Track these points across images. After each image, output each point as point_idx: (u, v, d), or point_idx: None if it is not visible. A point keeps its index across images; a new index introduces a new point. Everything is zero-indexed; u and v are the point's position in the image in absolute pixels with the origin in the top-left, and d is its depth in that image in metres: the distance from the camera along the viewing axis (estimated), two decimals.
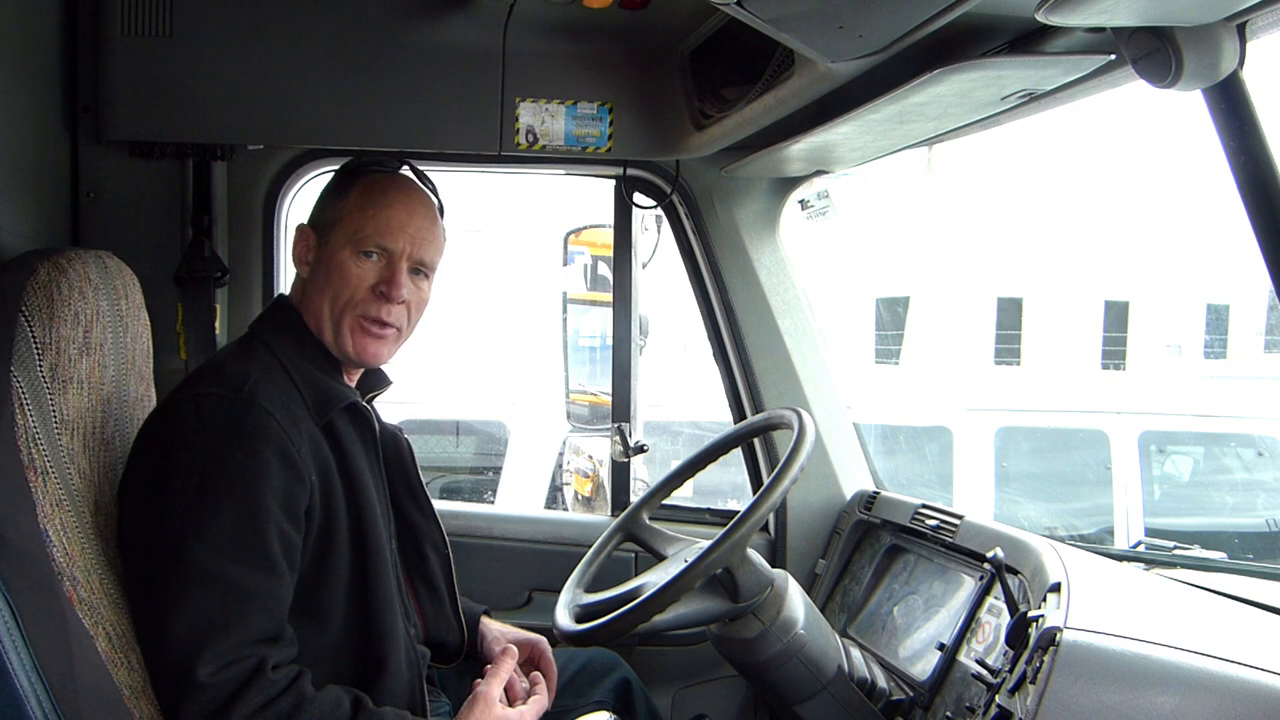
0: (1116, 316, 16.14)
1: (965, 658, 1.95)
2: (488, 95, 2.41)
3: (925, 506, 2.31)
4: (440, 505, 2.10)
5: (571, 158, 2.51)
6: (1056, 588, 1.72)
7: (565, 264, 3.83)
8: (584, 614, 1.99)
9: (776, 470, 1.85)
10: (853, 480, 2.65)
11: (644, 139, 2.49)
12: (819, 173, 2.56)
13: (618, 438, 2.73)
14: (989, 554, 1.73)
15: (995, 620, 1.94)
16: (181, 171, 2.44)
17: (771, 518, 2.63)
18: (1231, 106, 1.45)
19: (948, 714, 1.89)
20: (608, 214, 2.75)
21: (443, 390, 7.06)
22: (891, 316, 14.92)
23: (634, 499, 2.49)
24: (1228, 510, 6.98)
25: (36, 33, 2.18)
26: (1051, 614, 1.62)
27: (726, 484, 5.31)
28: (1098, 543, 5.71)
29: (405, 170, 1.94)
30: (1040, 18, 1.35)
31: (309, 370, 1.79)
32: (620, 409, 2.75)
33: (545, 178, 2.85)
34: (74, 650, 1.36)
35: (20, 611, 1.29)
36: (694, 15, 2.21)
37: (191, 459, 1.60)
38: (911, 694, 2.02)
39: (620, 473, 2.79)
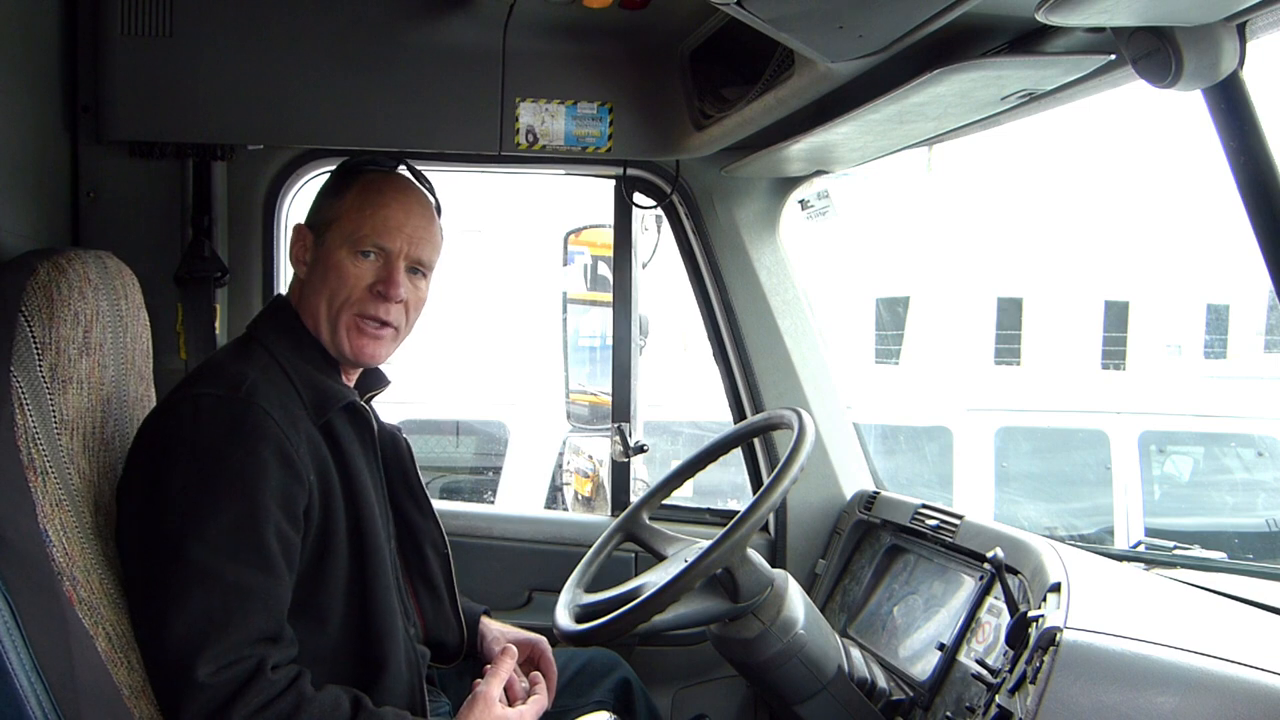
0: (1116, 316, 16.14)
1: (965, 658, 1.95)
2: (488, 95, 2.41)
3: (925, 506, 2.31)
4: (440, 505, 2.10)
5: (571, 158, 2.51)
6: (1056, 588, 1.72)
7: (565, 264, 3.83)
8: (584, 614, 1.99)
9: (776, 470, 1.85)
10: (853, 480, 2.65)
11: (644, 139, 2.49)
12: (819, 173, 2.56)
13: (618, 438, 2.73)
14: (989, 554, 1.73)
15: (995, 620, 1.94)
16: (181, 171, 2.44)
17: (771, 518, 2.63)
18: (1231, 106, 1.45)
19: (948, 714, 1.89)
20: (608, 214, 2.75)
21: (443, 390, 7.06)
22: (891, 316, 14.92)
23: (634, 499, 2.49)
24: (1228, 510, 6.98)
25: (36, 33, 2.18)
26: (1051, 614, 1.62)
27: (726, 484, 5.31)
28: (1098, 543, 5.71)
29: (402, 169, 1.94)
30: (1040, 18, 1.35)
31: (307, 370, 1.79)
32: (620, 409, 2.75)
33: (545, 178, 2.84)
34: (74, 650, 1.36)
35: (20, 611, 1.29)
36: (694, 15, 2.21)
37: (190, 459, 1.60)
38: (911, 694, 2.02)
39: (620, 473, 2.79)
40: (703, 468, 2.26)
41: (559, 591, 2.09)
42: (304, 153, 2.52)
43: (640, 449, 2.73)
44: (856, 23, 1.58)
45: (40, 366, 1.48)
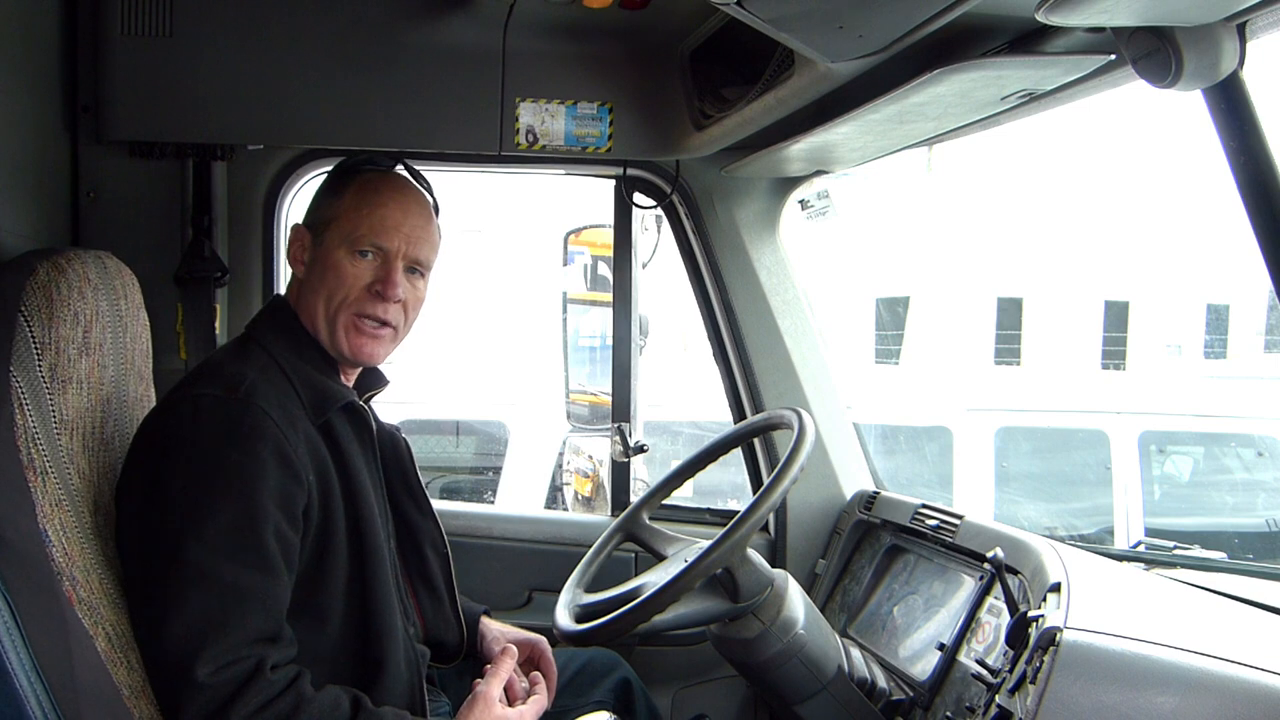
0: (1116, 316, 16.14)
1: (965, 658, 1.95)
2: (488, 95, 2.41)
3: (925, 506, 2.31)
4: (440, 505, 2.10)
5: (571, 158, 2.51)
6: (1056, 588, 1.72)
7: (565, 264, 3.83)
8: (584, 614, 1.99)
9: (776, 470, 1.85)
10: (853, 480, 2.65)
11: (644, 139, 2.49)
12: (819, 173, 2.56)
13: (618, 438, 2.73)
14: (989, 554, 1.73)
15: (995, 620, 1.94)
16: (181, 171, 2.44)
17: (771, 518, 2.63)
18: (1231, 106, 1.45)
19: (948, 714, 1.89)
20: (608, 214, 2.75)
21: (443, 390, 7.06)
22: (891, 316, 14.92)
23: (634, 499, 2.49)
24: (1228, 510, 6.98)
25: (36, 33, 2.18)
26: (1051, 614, 1.62)
27: (726, 484, 5.31)
28: (1098, 543, 5.71)
29: (400, 169, 1.94)
30: (1040, 18, 1.35)
31: (306, 370, 1.79)
32: (620, 409, 2.75)
33: (545, 178, 2.84)
34: (73, 650, 1.36)
35: (20, 611, 1.29)
36: (694, 15, 2.21)
37: (189, 459, 1.60)
38: (911, 694, 2.02)
39: (620, 473, 2.79)
40: (703, 468, 2.26)
41: (559, 591, 2.09)
42: (304, 153, 2.52)
43: (640, 449, 2.73)
44: (856, 23, 1.58)
45: (40, 366, 1.48)
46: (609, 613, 1.87)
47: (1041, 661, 1.53)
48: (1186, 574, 2.13)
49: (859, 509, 2.53)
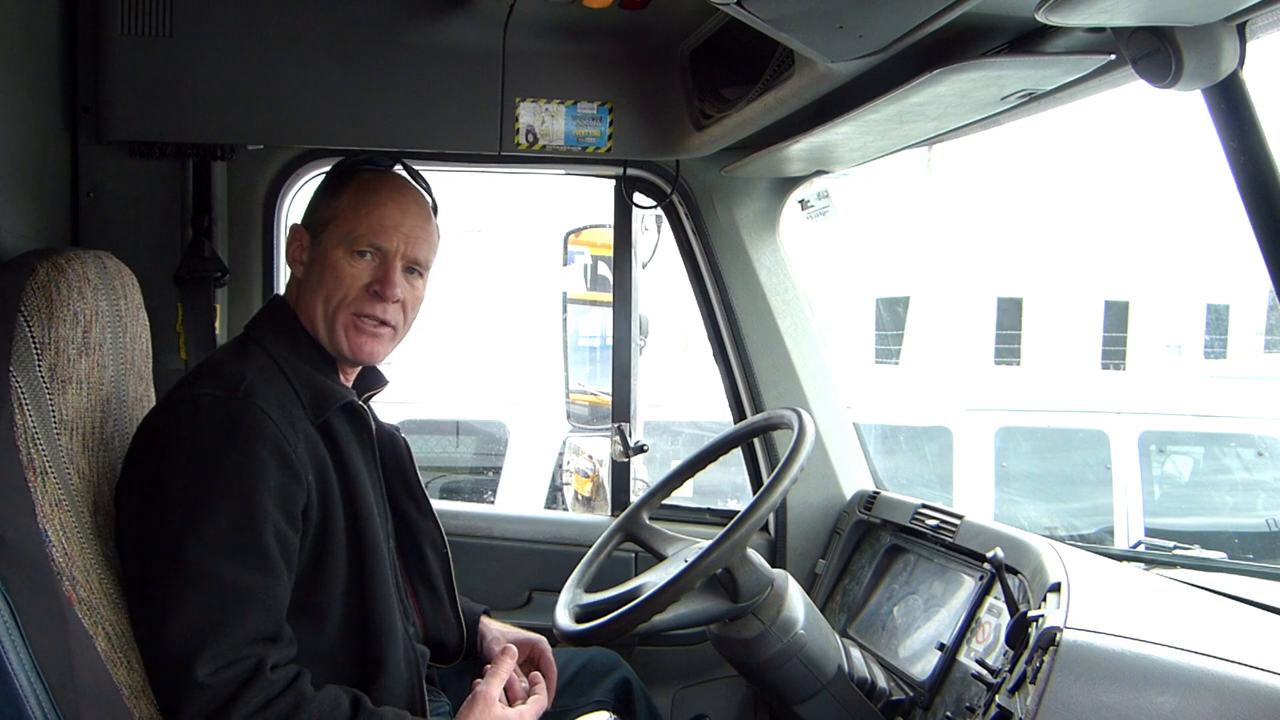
0: (1116, 316, 16.14)
1: (965, 658, 1.95)
2: (488, 95, 2.41)
3: (925, 506, 2.31)
4: (440, 505, 2.10)
5: (571, 158, 2.51)
6: (1056, 588, 1.72)
7: (565, 264, 3.83)
8: (584, 614, 1.99)
9: (776, 470, 1.85)
10: (853, 480, 2.65)
11: (644, 139, 2.49)
12: (819, 173, 2.56)
13: (618, 438, 2.72)
14: (989, 554, 1.73)
15: (995, 620, 1.94)
16: (181, 171, 2.44)
17: (771, 518, 2.63)
18: (1231, 106, 1.45)
19: (948, 714, 1.89)
20: (608, 214, 2.75)
21: (443, 390, 7.06)
22: (891, 316, 14.92)
23: (634, 499, 2.49)
24: (1228, 510, 6.98)
25: (36, 33, 2.18)
26: (1051, 614, 1.62)
27: (726, 484, 5.31)
28: (1098, 543, 5.71)
29: (398, 169, 1.94)
30: (1040, 18, 1.35)
31: (305, 370, 1.79)
32: (620, 409, 2.75)
33: (545, 178, 2.84)
34: (73, 650, 1.36)
35: (20, 611, 1.29)
36: (694, 15, 2.21)
37: (188, 459, 1.60)
38: (911, 694, 2.02)
39: (620, 473, 2.79)
40: (703, 468, 2.26)
41: (559, 591, 2.09)
42: (304, 153, 2.52)
43: (640, 449, 2.73)
44: (856, 23, 1.58)
45: (40, 366, 1.48)
46: (609, 613, 1.87)
47: (1041, 661, 1.53)
48: (1186, 574, 2.13)
49: (859, 509, 2.53)
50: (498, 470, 6.60)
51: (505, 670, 1.84)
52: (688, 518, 2.72)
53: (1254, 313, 15.64)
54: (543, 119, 2.44)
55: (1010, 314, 15.77)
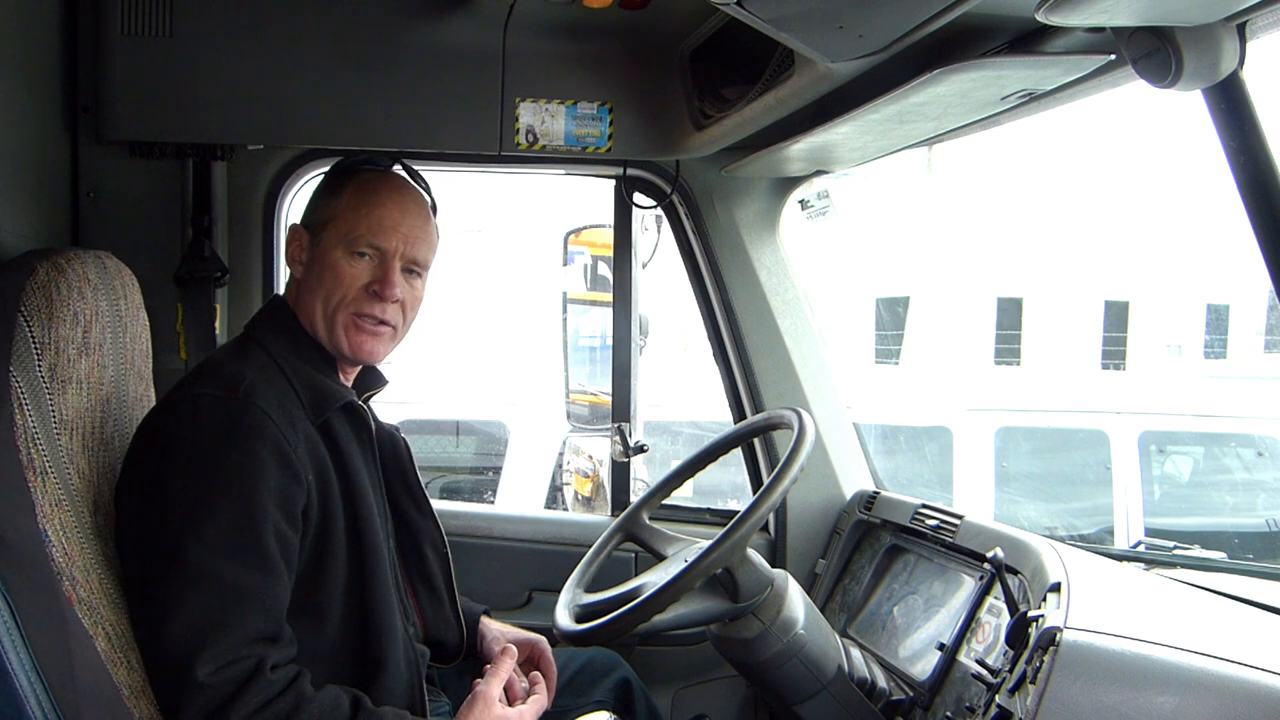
0: (1116, 316, 16.14)
1: (965, 658, 1.95)
2: (488, 95, 2.41)
3: (925, 506, 2.31)
4: (440, 505, 2.10)
5: (571, 158, 2.51)
6: (1056, 588, 1.72)
7: (565, 264, 3.83)
8: (584, 614, 1.99)
9: (776, 470, 1.85)
10: (853, 480, 2.65)
11: (644, 139, 2.49)
12: (819, 173, 2.56)
13: (618, 438, 2.73)
14: (989, 554, 1.73)
15: (995, 620, 1.94)
16: (181, 171, 2.44)
17: (771, 518, 2.63)
18: (1231, 106, 1.45)
19: (948, 714, 1.89)
20: (608, 214, 2.75)
21: (443, 390, 7.06)
22: (891, 316, 14.92)
23: (634, 499, 2.49)
24: (1228, 510, 6.98)
25: (36, 33, 2.18)
26: (1051, 614, 1.62)
27: (726, 484, 5.31)
28: (1098, 543, 5.71)
29: (397, 169, 1.94)
30: (1040, 18, 1.35)
31: (305, 370, 1.79)
32: (620, 409, 2.75)
33: (545, 178, 2.84)
34: (73, 650, 1.36)
35: (20, 611, 1.29)
36: (694, 15, 2.21)
37: (188, 459, 1.60)
38: (911, 694, 2.02)
39: (620, 473, 2.79)
40: (703, 468, 2.26)
41: (559, 591, 2.09)
42: (304, 153, 2.52)
43: (640, 449, 2.73)
44: (856, 23, 1.58)
45: (39, 367, 1.48)
46: (609, 613, 1.87)
47: (1041, 661, 1.53)
48: (1186, 574, 2.13)
49: (859, 509, 2.53)
50: (498, 470, 6.60)
51: (505, 670, 1.84)
52: (688, 518, 2.72)
53: (1254, 313, 15.64)
54: (543, 119, 2.44)
55: (1010, 314, 15.77)
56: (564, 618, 1.98)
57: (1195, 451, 7.13)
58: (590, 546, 2.20)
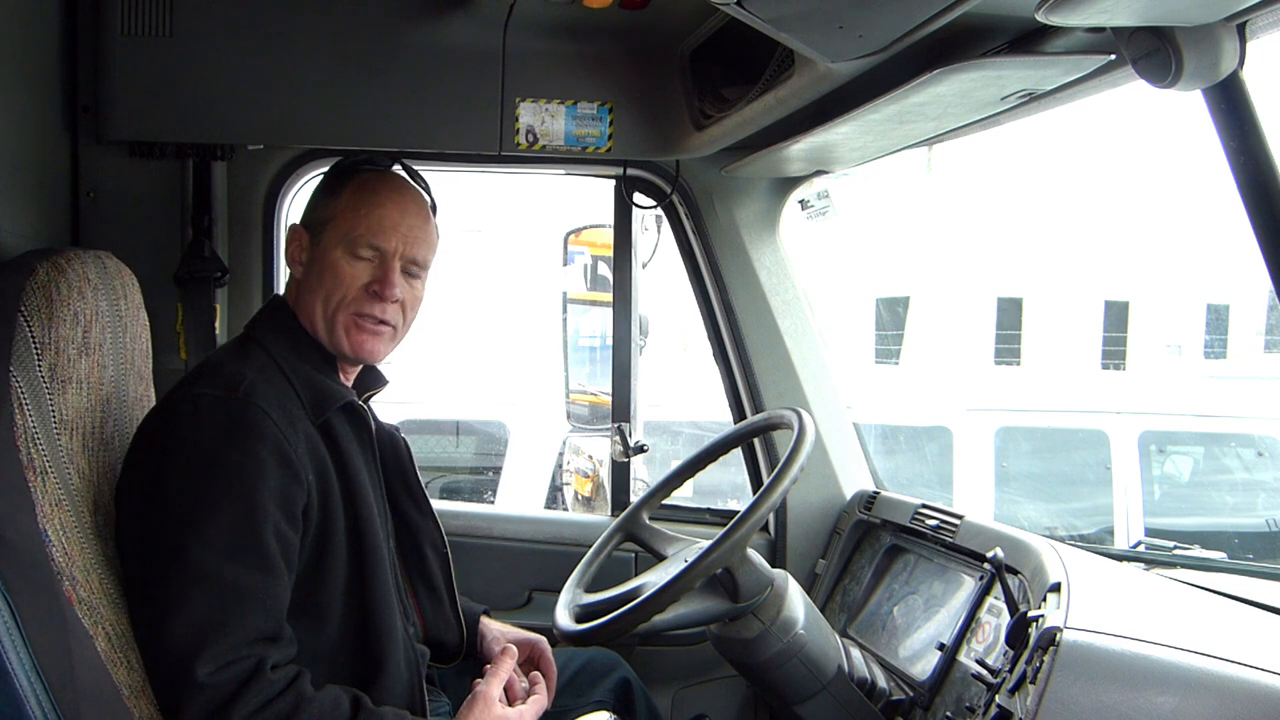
0: (1116, 316, 16.14)
1: (965, 658, 1.95)
2: (488, 95, 2.41)
3: (925, 506, 2.31)
4: (440, 505, 2.10)
5: (571, 158, 2.51)
6: (1056, 588, 1.72)
7: (565, 264, 3.83)
8: (584, 614, 1.99)
9: (776, 470, 1.85)
10: (853, 480, 2.65)
11: (644, 139, 2.49)
12: (819, 173, 2.56)
13: (618, 438, 2.72)
14: (989, 554, 1.73)
15: (995, 620, 1.94)
16: (181, 171, 2.44)
17: (771, 518, 2.63)
18: (1231, 106, 1.45)
19: (948, 714, 1.89)
20: (608, 214, 2.75)
21: (443, 390, 7.06)
22: (891, 316, 14.92)
23: (634, 499, 2.49)
24: (1228, 510, 6.98)
25: (36, 33, 2.18)
26: (1051, 614, 1.62)
27: (726, 484, 5.31)
28: (1098, 543, 5.71)
29: (397, 169, 1.94)
30: (1040, 18, 1.35)
31: (305, 370, 1.79)
32: (620, 409, 2.75)
33: (545, 178, 2.84)
34: (73, 650, 1.36)
35: (20, 611, 1.29)
36: (694, 15, 2.21)
37: (188, 459, 1.60)
38: (911, 694, 2.02)
39: (620, 473, 2.79)
40: (703, 468, 2.26)
41: (559, 591, 2.09)
42: (304, 153, 2.52)
43: (640, 449, 2.73)
44: (856, 23, 1.58)
45: (40, 366, 1.48)
46: (609, 613, 1.87)
47: (1041, 661, 1.53)
48: (1186, 574, 2.13)
49: (859, 509, 2.53)
50: (498, 470, 6.60)
51: (505, 670, 1.84)
52: (688, 518, 2.72)
53: (1254, 313, 15.64)
54: (543, 119, 2.44)
55: (1010, 314, 15.77)
56: (564, 618, 1.98)
57: (1195, 451, 7.13)
58: (590, 546, 2.20)
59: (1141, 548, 2.34)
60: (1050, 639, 1.54)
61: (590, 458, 5.49)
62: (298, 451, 1.66)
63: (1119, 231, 14.86)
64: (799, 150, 2.24)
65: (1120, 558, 2.27)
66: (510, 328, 7.98)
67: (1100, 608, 1.64)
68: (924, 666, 2.05)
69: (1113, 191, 14.93)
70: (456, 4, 2.31)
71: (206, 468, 1.59)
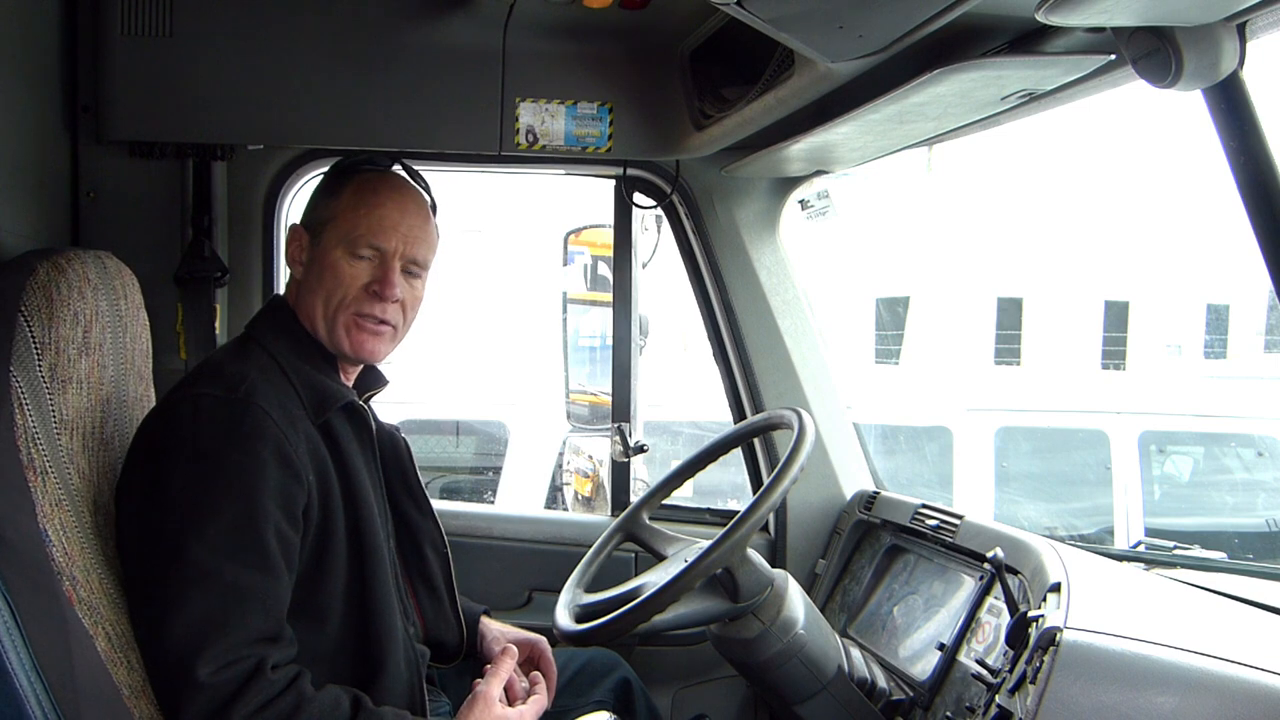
0: (1116, 316, 16.14)
1: (965, 658, 1.95)
2: (488, 95, 2.41)
3: (925, 506, 2.31)
4: (440, 505, 2.10)
5: (571, 158, 2.51)
6: (1056, 588, 1.72)
7: (565, 264, 3.83)
8: (584, 614, 1.99)
9: (776, 470, 1.85)
10: (853, 480, 2.65)
11: (644, 139, 2.49)
12: (819, 173, 2.56)
13: (618, 438, 2.73)
14: (989, 554, 1.73)
15: (995, 620, 1.94)
16: (181, 171, 2.44)
17: (771, 518, 2.63)
18: (1231, 106, 1.45)
19: (948, 714, 1.89)
20: (608, 214, 2.75)
21: (443, 390, 7.07)
22: (891, 316, 14.92)
23: (634, 499, 2.49)
24: (1228, 510, 6.98)
25: (36, 33, 2.18)
26: (1051, 614, 1.62)
27: (726, 484, 5.31)
28: (1098, 543, 5.71)
29: (397, 169, 1.94)
30: (1040, 18, 1.35)
31: (305, 370, 1.79)
32: (620, 409, 2.75)
33: (545, 178, 2.84)
34: (73, 650, 1.36)
35: (20, 611, 1.29)
36: (694, 15, 2.21)
37: (189, 459, 1.60)
38: (911, 694, 2.02)
39: (620, 473, 2.79)
40: (703, 468, 2.26)
41: (559, 591, 2.09)
42: (304, 153, 2.52)
43: (640, 449, 2.73)
44: (856, 23, 1.58)
45: (40, 366, 1.48)
46: (609, 613, 1.87)
47: (1041, 661, 1.53)
48: (1186, 574, 2.13)
49: (859, 509, 2.53)
50: (498, 470, 6.60)
51: (505, 670, 1.84)
52: (688, 518, 2.72)
53: (1254, 313, 15.64)
54: (543, 119, 2.44)
55: (1010, 314, 15.77)
56: (564, 618, 1.98)
57: (1195, 451, 7.13)
58: (590, 546, 2.20)
59: (1141, 548, 2.34)
60: (1050, 639, 1.54)
61: (590, 458, 5.50)
62: (298, 451, 1.66)
63: (1119, 232, 14.86)
64: (799, 150, 2.24)
65: (1120, 558, 2.27)
66: (510, 328, 7.98)
67: (1100, 608, 1.64)
68: (924, 666, 2.05)
69: (1112, 192, 14.93)
70: (456, 4, 2.31)
71: (207, 468, 1.59)
